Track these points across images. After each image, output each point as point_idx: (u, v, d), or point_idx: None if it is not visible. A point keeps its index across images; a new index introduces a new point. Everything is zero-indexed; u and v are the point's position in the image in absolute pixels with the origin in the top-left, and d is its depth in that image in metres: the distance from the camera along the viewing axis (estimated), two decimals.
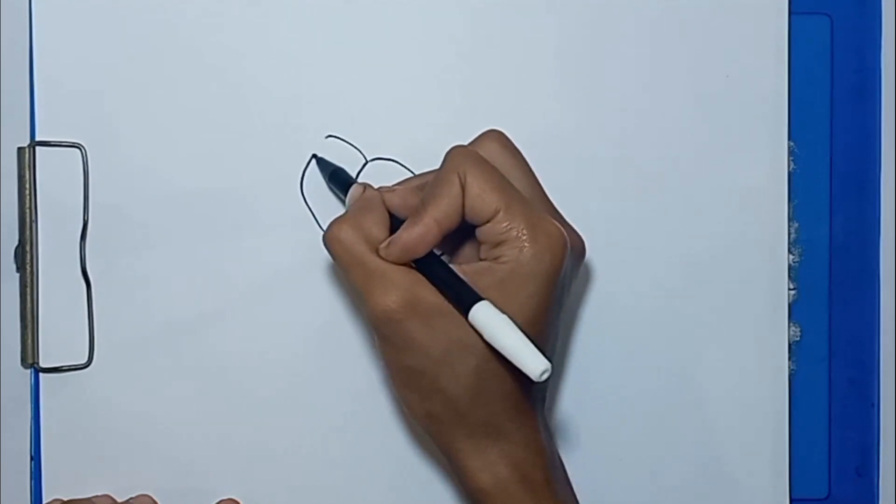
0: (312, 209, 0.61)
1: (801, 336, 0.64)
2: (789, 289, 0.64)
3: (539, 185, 0.56)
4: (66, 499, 0.60)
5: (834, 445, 0.64)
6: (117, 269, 0.61)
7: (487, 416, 0.53)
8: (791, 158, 0.63)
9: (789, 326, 0.63)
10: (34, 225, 0.60)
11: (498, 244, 0.52)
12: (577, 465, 0.60)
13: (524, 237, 0.52)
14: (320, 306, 0.62)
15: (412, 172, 0.61)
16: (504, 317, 0.49)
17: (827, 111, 0.64)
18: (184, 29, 0.61)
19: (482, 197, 0.52)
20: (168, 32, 0.61)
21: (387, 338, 0.52)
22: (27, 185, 0.60)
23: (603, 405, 0.63)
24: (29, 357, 0.61)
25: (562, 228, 0.53)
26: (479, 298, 0.50)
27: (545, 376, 0.48)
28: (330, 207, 0.61)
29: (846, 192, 0.64)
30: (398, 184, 0.58)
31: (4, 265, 0.61)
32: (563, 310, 0.55)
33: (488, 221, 0.52)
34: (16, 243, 0.61)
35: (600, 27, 0.62)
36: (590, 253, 0.61)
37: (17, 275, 0.61)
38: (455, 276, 0.52)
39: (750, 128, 0.63)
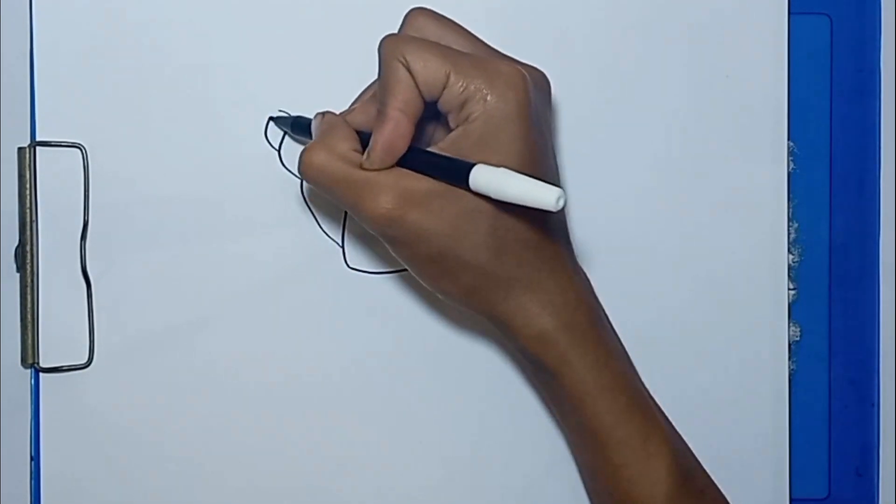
0: (313, 209, 0.61)
1: (801, 336, 0.64)
2: (789, 289, 0.64)
3: (480, 40, 0.55)
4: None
5: (834, 445, 0.64)
6: (117, 269, 0.61)
7: (517, 271, 0.53)
8: (791, 158, 0.63)
9: (789, 326, 0.63)
10: (34, 225, 0.60)
11: (462, 106, 0.52)
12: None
13: (482, 87, 0.51)
14: (321, 306, 0.62)
15: None
16: (501, 169, 0.49)
17: (826, 111, 0.64)
18: (185, 29, 0.61)
19: (428, 68, 0.52)
20: (169, 32, 0.61)
21: (396, 239, 0.52)
22: (27, 185, 0.60)
23: None
24: (29, 357, 0.60)
25: (515, 65, 0.53)
26: (469, 164, 0.50)
27: (561, 203, 0.47)
28: (330, 207, 0.61)
29: (846, 192, 0.64)
30: (352, 104, 0.58)
31: (4, 265, 0.61)
32: (553, 149, 0.55)
33: (444, 89, 0.52)
34: (16, 243, 0.60)
35: (599, 27, 0.62)
36: (589, 253, 0.61)
37: (17, 275, 0.61)
38: (436, 155, 0.52)
39: (750, 128, 0.63)
